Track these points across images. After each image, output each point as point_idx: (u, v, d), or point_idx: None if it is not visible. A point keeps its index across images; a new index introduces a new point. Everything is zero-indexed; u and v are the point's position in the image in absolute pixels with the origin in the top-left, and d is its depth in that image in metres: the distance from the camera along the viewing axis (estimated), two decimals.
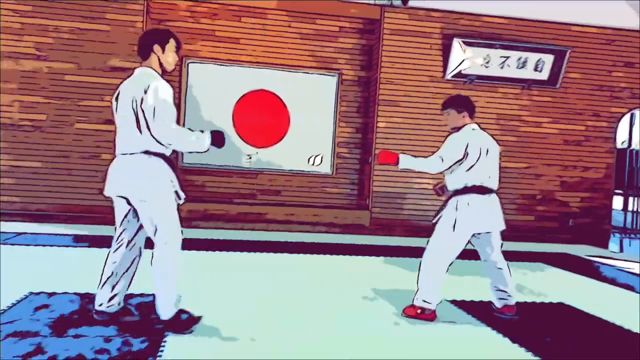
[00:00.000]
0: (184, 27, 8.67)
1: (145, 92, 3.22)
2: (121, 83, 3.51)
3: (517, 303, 4.27)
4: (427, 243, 4.11)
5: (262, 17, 8.86)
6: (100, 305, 3.51)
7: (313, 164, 9.07)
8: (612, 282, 6.06)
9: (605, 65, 9.25)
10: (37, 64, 8.03)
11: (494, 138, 4.25)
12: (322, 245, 7.34)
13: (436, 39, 8.87)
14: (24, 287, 4.23)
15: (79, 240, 6.57)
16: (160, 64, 3.43)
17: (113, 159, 3.49)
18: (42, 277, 4.68)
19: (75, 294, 4.14)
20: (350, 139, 9.22)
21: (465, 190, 4.01)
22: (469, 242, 4.05)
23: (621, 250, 9.07)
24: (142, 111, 3.22)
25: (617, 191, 10.39)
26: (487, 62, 8.83)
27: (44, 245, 6.12)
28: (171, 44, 3.45)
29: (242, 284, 4.82)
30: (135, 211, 3.43)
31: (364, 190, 9.03)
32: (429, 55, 8.87)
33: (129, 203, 3.42)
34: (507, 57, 8.84)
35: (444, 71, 8.86)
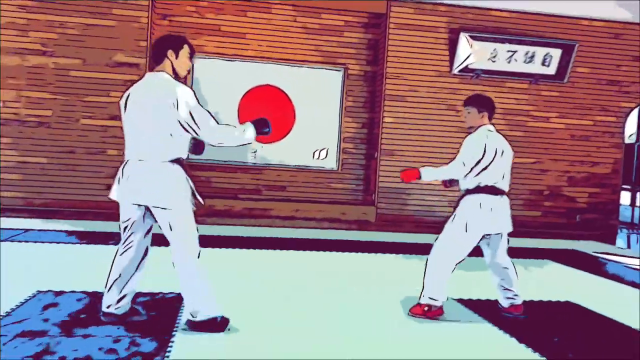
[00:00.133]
0: (189, 22, 8.65)
1: (177, 99, 3.22)
2: (131, 86, 3.47)
3: (524, 302, 4.25)
4: (436, 241, 4.09)
5: (267, 11, 8.82)
6: (108, 307, 3.51)
7: (318, 158, 9.05)
8: (620, 279, 6.04)
9: (614, 60, 9.17)
10: (43, 59, 8.03)
11: (504, 136, 4.23)
12: (327, 242, 7.33)
13: (443, 33, 8.81)
14: (32, 285, 4.24)
15: (85, 237, 6.58)
16: (173, 69, 3.41)
17: (121, 162, 3.44)
18: (49, 275, 4.69)
19: (83, 292, 4.14)
20: (356, 134, 9.19)
21: (478, 189, 4.00)
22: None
23: (628, 246, 9.03)
24: (178, 119, 3.23)
25: (624, 186, 10.33)
26: (494, 57, 8.77)
27: (50, 242, 6.13)
28: (185, 50, 3.45)
29: (247, 282, 4.83)
30: (146, 216, 3.43)
31: (369, 186, 9.01)
32: (435, 49, 8.82)
33: (147, 209, 3.41)
34: (515, 52, 8.78)
35: (451, 66, 8.81)
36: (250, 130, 3.46)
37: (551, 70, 8.92)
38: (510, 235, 4.20)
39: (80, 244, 6.19)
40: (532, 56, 8.82)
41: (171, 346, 3.21)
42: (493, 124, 4.23)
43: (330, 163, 9.07)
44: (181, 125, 3.26)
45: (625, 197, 10.74)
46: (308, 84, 8.97)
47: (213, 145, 3.43)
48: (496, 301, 4.32)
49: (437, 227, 4.19)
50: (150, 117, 3.26)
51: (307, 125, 9.00)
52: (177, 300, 4.04)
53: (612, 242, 8.92)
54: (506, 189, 4.10)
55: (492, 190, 4.00)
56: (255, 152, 8.88)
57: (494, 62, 8.80)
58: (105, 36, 8.12)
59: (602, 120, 9.24)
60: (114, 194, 3.42)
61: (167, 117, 3.23)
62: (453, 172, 4.04)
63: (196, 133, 3.30)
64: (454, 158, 4.10)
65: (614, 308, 4.64)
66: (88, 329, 3.37)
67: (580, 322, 4.29)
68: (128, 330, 3.41)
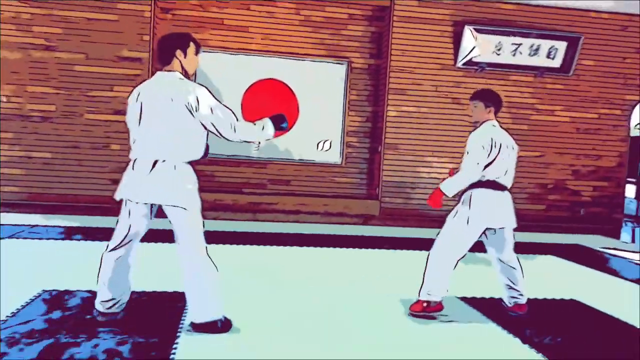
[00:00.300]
0: (193, 15, 8.62)
1: (198, 99, 3.23)
2: (138, 83, 3.46)
3: (528, 300, 4.24)
4: (437, 235, 4.08)
5: (270, 5, 8.77)
6: (106, 307, 3.50)
7: (322, 149, 9.04)
8: (624, 276, 6.02)
9: (619, 52, 9.10)
10: (46, 54, 8.02)
11: (507, 131, 4.21)
12: (330, 237, 7.34)
13: (447, 26, 8.76)
14: (37, 284, 4.26)
15: (90, 233, 6.59)
16: (182, 68, 3.41)
17: (129, 161, 3.42)
18: (54, 273, 4.71)
19: (89, 291, 4.14)
20: (359, 127, 9.16)
21: (480, 184, 3.98)
22: (480, 238, 4.03)
23: (633, 240, 9.01)
24: (201, 119, 3.25)
25: (629, 179, 10.29)
26: (499, 50, 8.72)
27: (55, 239, 6.16)
28: (192, 48, 3.43)
29: (250, 279, 4.83)
30: (151, 215, 3.45)
31: (373, 180, 9.00)
32: (439, 42, 8.77)
33: (152, 208, 3.42)
34: (519, 44, 8.72)
35: (455, 59, 8.77)
36: (269, 126, 3.52)
37: (556, 63, 8.86)
38: (514, 229, 4.18)
39: (85, 240, 6.20)
40: (537, 49, 8.76)
41: (176, 347, 3.22)
42: (498, 120, 4.20)
43: (334, 157, 9.05)
44: (203, 125, 3.28)
45: (630, 190, 10.71)
46: (312, 77, 8.94)
47: (229, 141, 3.46)
48: (500, 299, 4.32)
49: (441, 221, 4.17)
50: (167, 118, 3.25)
51: (311, 119, 8.97)
52: (181, 299, 4.05)
53: (617, 236, 8.90)
54: (509, 185, 4.08)
55: (495, 185, 3.99)
56: (259, 144, 8.85)
57: (498, 55, 8.74)
58: (109, 30, 8.10)
59: (607, 113, 9.19)
60: (123, 193, 3.38)
61: (186, 118, 3.24)
62: (471, 175, 3.98)
63: (219, 132, 3.33)
64: (460, 154, 4.08)
65: (618, 306, 4.64)
66: (94, 330, 3.38)
67: (585, 321, 4.27)
68: (133, 331, 3.42)
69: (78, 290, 4.18)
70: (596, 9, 8.92)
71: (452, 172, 4.26)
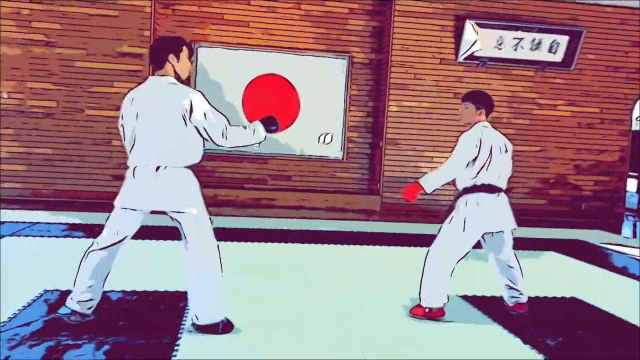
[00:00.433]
0: (193, 10, 8.59)
1: (192, 104, 3.23)
2: (133, 89, 3.43)
3: (529, 298, 4.24)
4: (433, 242, 4.06)
5: None
6: (85, 307, 3.45)
7: (324, 142, 9.00)
8: (626, 272, 6.02)
9: (621, 46, 9.07)
10: (47, 50, 8.00)
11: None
12: (330, 233, 7.34)
13: (448, 20, 8.72)
14: (39, 283, 4.27)
15: (92, 230, 6.58)
16: (175, 72, 3.40)
17: (127, 168, 3.39)
18: (56, 272, 4.71)
19: None
20: (361, 123, 9.15)
21: (475, 189, 3.95)
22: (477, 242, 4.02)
23: (634, 235, 9.01)
24: (195, 124, 3.25)
25: (631, 173, 10.27)
26: (501, 44, 8.69)
27: (57, 237, 6.17)
28: (185, 52, 3.43)
29: (251, 277, 4.84)
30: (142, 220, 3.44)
31: (374, 175, 9.00)
32: (440, 37, 8.74)
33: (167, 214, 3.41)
34: (521, 39, 8.68)
35: (457, 53, 8.73)
36: (260, 129, 3.51)
37: (558, 57, 8.83)
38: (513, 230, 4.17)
39: (87, 237, 6.20)
40: (539, 43, 8.72)
41: (177, 348, 3.23)
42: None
43: (335, 152, 9.05)
44: (197, 129, 3.28)
45: (631, 184, 10.70)
46: (313, 72, 8.92)
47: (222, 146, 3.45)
48: (501, 298, 4.32)
49: (442, 216, 4.15)
50: (164, 124, 3.24)
51: (312, 114, 8.96)
52: (182, 299, 4.07)
53: (618, 231, 8.90)
54: (504, 186, 4.06)
55: (490, 189, 3.96)
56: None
57: (500, 49, 8.71)
58: (109, 26, 8.09)
59: (609, 107, 9.16)
60: (126, 202, 3.33)
61: (182, 123, 3.24)
62: (452, 171, 3.97)
63: (210, 137, 3.32)
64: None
65: (619, 303, 4.65)
66: (94, 331, 3.38)
67: (586, 320, 4.26)
68: (134, 331, 3.44)
69: None
70: (598, 2, 8.87)
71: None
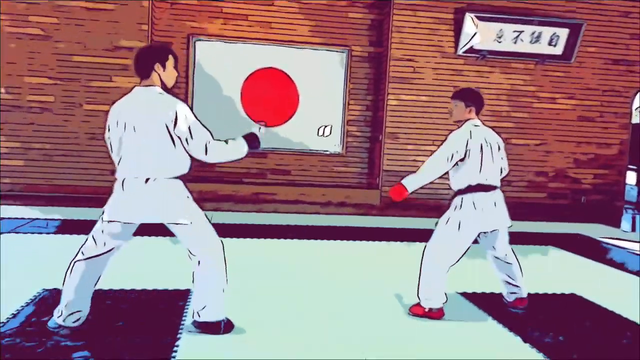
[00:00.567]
0: (191, 4, 8.54)
1: (177, 114, 3.18)
2: (117, 101, 3.35)
3: (528, 294, 4.24)
4: (429, 241, 4.04)
5: None
6: (72, 320, 3.34)
7: (323, 135, 8.99)
8: (624, 268, 6.02)
9: (622, 39, 9.02)
10: (44, 44, 7.95)
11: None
12: (330, 228, 7.33)
13: (448, 13, 8.67)
14: (37, 282, 4.26)
15: (89, 227, 6.57)
16: (161, 81, 3.35)
17: (115, 180, 3.32)
18: (54, 270, 4.64)
19: None
20: (360, 116, 9.12)
21: (469, 189, 3.93)
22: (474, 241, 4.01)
23: (633, 229, 9.00)
24: (178, 135, 3.20)
25: (630, 166, 10.26)
26: (500, 37, 8.64)
27: (55, 234, 6.15)
28: (170, 61, 3.36)
29: (250, 275, 4.83)
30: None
31: (374, 169, 8.98)
32: (440, 30, 8.70)
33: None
34: (521, 32, 8.64)
35: (456, 47, 8.69)
36: (243, 145, 3.49)
37: (558, 50, 8.79)
38: (514, 218, 4.14)
39: (86, 234, 6.19)
40: (539, 36, 8.68)
41: (177, 348, 3.22)
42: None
43: (335, 146, 9.02)
44: (180, 139, 3.22)
45: (631, 177, 10.68)
46: (312, 66, 8.87)
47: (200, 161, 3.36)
48: (500, 294, 4.32)
49: (441, 210, 4.13)
50: (152, 135, 3.18)
51: (311, 108, 8.89)
52: (182, 298, 4.07)
53: (617, 224, 8.90)
54: (498, 183, 4.04)
55: (484, 188, 3.95)
56: (259, 129, 8.76)
57: (499, 42, 8.67)
58: (107, 20, 8.03)
59: (609, 100, 9.14)
60: (116, 215, 3.25)
61: (168, 134, 3.19)
62: (433, 170, 3.92)
63: (191, 149, 3.25)
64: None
65: (618, 299, 4.64)
66: (93, 332, 3.38)
67: (586, 318, 4.26)
68: (134, 331, 3.44)
69: None
70: None
71: None
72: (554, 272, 5.64)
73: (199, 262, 3.38)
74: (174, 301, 4.05)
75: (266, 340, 3.44)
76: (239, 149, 3.48)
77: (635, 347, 3.67)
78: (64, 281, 3.34)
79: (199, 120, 3.31)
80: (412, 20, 8.59)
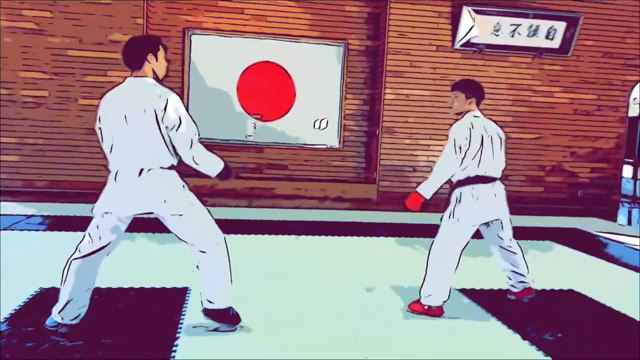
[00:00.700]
0: None
1: (168, 104, 3.15)
2: (109, 91, 3.30)
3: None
4: (435, 238, 4.04)
5: None
6: (70, 318, 3.33)
7: (319, 128, 8.97)
8: (622, 262, 6.03)
9: (619, 32, 9.00)
10: (38, 38, 7.88)
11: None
12: (326, 224, 7.31)
13: (445, 6, 8.63)
14: (34, 281, 4.23)
15: (86, 223, 6.54)
16: (153, 72, 3.31)
17: (109, 173, 3.30)
18: (52, 268, 4.63)
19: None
20: (357, 110, 9.09)
21: (469, 180, 3.93)
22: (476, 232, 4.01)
23: (629, 223, 9.03)
24: (167, 124, 3.15)
25: (627, 160, 10.28)
26: (497, 31, 8.61)
27: (52, 230, 6.12)
28: (162, 51, 3.34)
29: (247, 275, 4.80)
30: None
31: (371, 164, 8.96)
32: (437, 23, 8.65)
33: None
34: (518, 25, 8.61)
35: (453, 40, 8.66)
36: (219, 166, 3.46)
37: (555, 43, 8.77)
38: (511, 212, 4.15)
39: (83, 231, 6.16)
40: (536, 29, 8.66)
41: (175, 351, 3.20)
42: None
43: (332, 141, 8.99)
44: (167, 128, 3.17)
45: (627, 171, 10.71)
46: (308, 59, 8.83)
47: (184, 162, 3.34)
48: (500, 291, 4.31)
49: (439, 204, 4.13)
50: (145, 126, 3.15)
51: (308, 102, 8.89)
52: (181, 296, 4.06)
53: (614, 218, 8.92)
54: (498, 175, 4.04)
55: (483, 179, 3.94)
56: (255, 124, 8.75)
57: (497, 36, 8.64)
58: (102, 14, 7.96)
59: (606, 94, 9.13)
60: (109, 206, 3.24)
61: (157, 123, 3.15)
62: (447, 168, 3.92)
63: (176, 142, 3.21)
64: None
65: (618, 295, 4.65)
66: (91, 331, 3.35)
67: (585, 314, 4.25)
68: (133, 330, 3.42)
69: None
70: None
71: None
72: (552, 268, 5.64)
73: (201, 251, 3.35)
74: (172, 299, 4.03)
75: (266, 340, 3.42)
76: (216, 164, 3.44)
77: (634, 344, 3.67)
78: (62, 279, 3.32)
79: (190, 116, 3.28)
80: (409, 13, 8.54)
